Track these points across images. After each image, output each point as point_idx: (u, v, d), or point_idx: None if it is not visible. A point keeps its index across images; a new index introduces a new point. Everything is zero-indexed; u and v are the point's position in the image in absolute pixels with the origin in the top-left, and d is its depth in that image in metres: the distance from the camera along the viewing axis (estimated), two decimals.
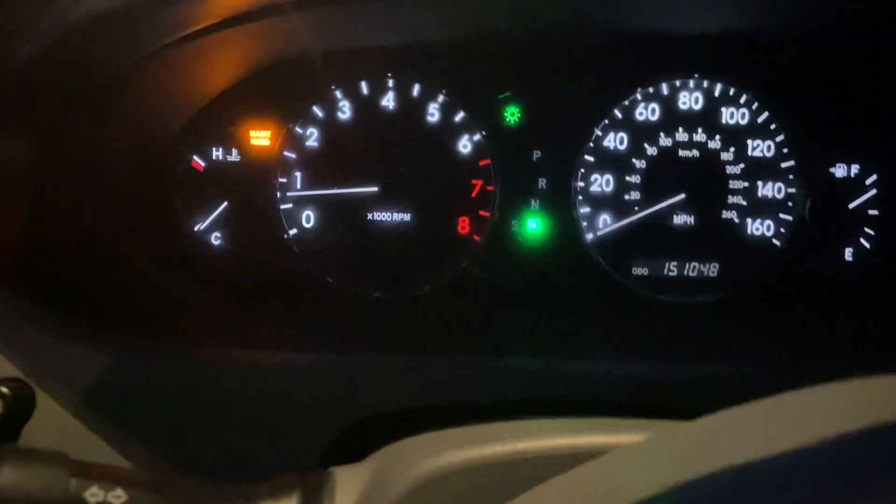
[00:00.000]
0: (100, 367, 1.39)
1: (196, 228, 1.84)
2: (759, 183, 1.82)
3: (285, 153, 1.83)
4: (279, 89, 1.82)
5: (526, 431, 0.94)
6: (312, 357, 1.55)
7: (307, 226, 1.85)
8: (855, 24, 1.67)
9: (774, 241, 1.83)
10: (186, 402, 1.44)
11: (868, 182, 1.81)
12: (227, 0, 1.46)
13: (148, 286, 1.73)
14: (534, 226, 1.87)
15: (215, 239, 1.85)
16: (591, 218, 1.86)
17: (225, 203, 1.84)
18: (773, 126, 1.80)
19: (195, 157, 1.82)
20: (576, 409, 1.25)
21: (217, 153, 1.83)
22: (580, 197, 1.85)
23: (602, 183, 1.85)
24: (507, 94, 1.85)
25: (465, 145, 1.84)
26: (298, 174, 1.84)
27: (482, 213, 1.85)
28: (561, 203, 1.86)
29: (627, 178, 1.84)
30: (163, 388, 1.44)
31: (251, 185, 1.84)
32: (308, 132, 1.83)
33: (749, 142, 1.81)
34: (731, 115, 1.81)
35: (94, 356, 1.39)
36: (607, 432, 0.94)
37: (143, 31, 1.40)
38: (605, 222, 1.85)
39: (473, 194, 1.85)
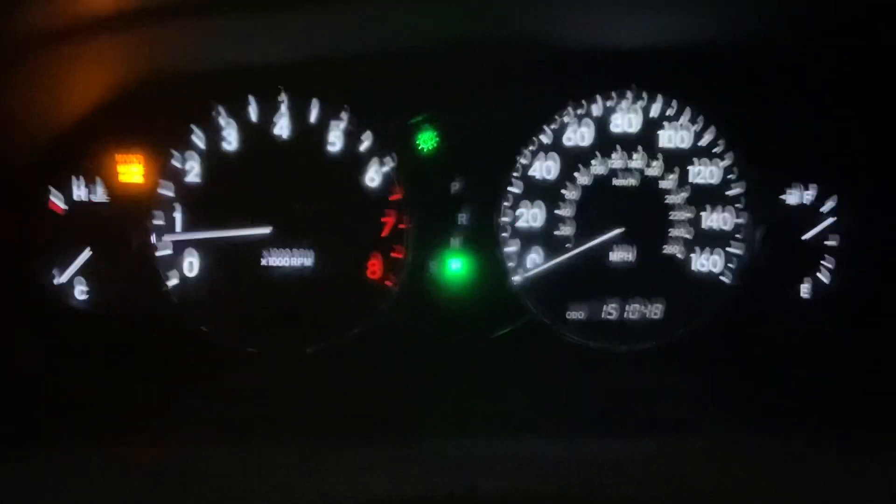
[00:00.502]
0: None
1: (56, 282, 1.55)
2: (703, 213, 1.62)
3: (161, 190, 1.56)
4: (152, 112, 1.55)
5: None
6: (189, 450, 1.28)
7: (189, 274, 1.58)
8: (806, 37, 1.48)
9: (723, 277, 1.64)
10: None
11: (825, 209, 1.62)
12: (86, 3, 1.19)
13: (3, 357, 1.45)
14: (455, 267, 1.65)
15: (80, 294, 1.57)
16: (520, 256, 1.63)
17: (89, 250, 1.56)
18: (717, 148, 1.61)
19: (51, 197, 1.54)
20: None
21: (79, 192, 1.55)
22: (506, 233, 1.63)
23: (529, 217, 1.62)
24: (421, 117, 1.62)
25: (372, 177, 1.60)
26: (178, 214, 1.57)
27: (395, 254, 1.61)
28: (484, 240, 1.63)
29: (558, 211, 1.62)
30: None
31: (121, 229, 1.56)
32: (188, 165, 1.57)
33: (691, 167, 1.61)
34: (670, 138, 1.61)
35: None
36: None
37: None
38: (535, 261, 1.63)
39: (384, 233, 1.61)
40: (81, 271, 1.57)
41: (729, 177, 1.62)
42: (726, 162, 1.62)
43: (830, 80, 1.58)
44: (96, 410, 1.39)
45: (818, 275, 1.64)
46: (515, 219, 1.63)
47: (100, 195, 1.56)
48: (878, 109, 1.58)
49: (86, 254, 1.56)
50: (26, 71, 1.30)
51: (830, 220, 1.63)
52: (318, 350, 1.60)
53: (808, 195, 1.63)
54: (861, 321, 1.61)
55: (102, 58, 1.41)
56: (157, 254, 1.57)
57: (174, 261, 1.58)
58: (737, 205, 1.62)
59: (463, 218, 1.63)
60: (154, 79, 1.51)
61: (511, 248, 1.63)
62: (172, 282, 1.58)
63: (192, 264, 1.58)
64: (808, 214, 1.63)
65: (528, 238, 1.63)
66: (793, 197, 1.63)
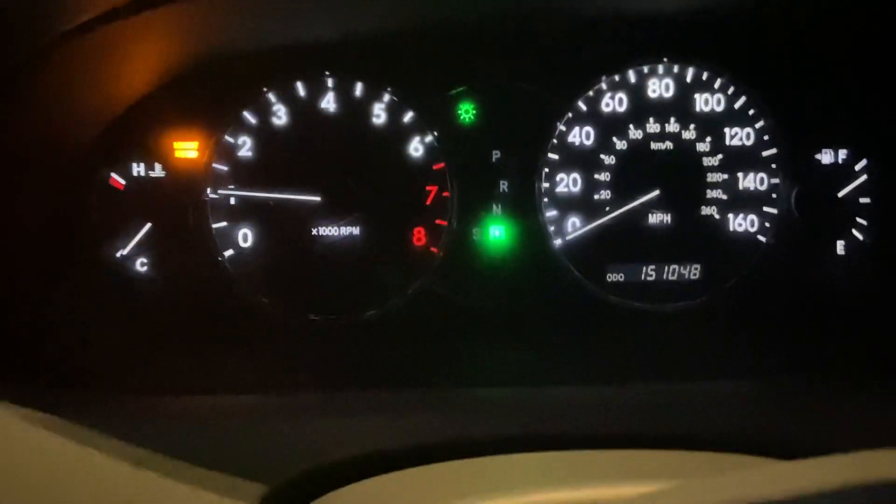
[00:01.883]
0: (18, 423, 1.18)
1: (118, 255, 1.63)
2: (740, 174, 1.66)
3: (215, 165, 1.64)
4: (205, 94, 1.62)
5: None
6: (252, 400, 1.35)
7: (244, 245, 1.66)
8: (835, 3, 1.52)
9: (759, 237, 1.67)
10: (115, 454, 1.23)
11: (858, 168, 1.66)
12: None
13: (66, 327, 1.52)
14: (496, 234, 1.70)
15: (140, 265, 1.65)
16: (559, 222, 1.68)
17: (149, 225, 1.63)
18: (751, 112, 1.65)
19: (113, 174, 1.62)
20: (549, 444, 1.09)
21: (138, 168, 1.63)
22: (546, 199, 1.68)
23: (569, 183, 1.68)
24: (460, 89, 1.68)
25: (416, 148, 1.66)
26: (231, 188, 1.65)
27: (438, 221, 1.67)
28: (525, 207, 1.69)
29: (596, 177, 1.67)
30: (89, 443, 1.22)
31: (178, 203, 1.64)
32: (240, 141, 1.64)
33: (726, 130, 1.65)
34: (706, 102, 1.65)
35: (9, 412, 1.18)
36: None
37: (34, 17, 1.20)
38: (575, 226, 1.68)
39: (428, 202, 1.67)
40: (141, 244, 1.64)
41: (764, 139, 1.66)
42: (760, 125, 1.66)
43: (859, 44, 1.61)
44: (158, 377, 1.46)
45: (854, 232, 1.67)
46: (554, 185, 1.68)
47: (157, 171, 1.64)
48: None
49: (146, 228, 1.64)
50: (82, 51, 1.36)
51: (863, 179, 1.66)
52: (372, 315, 1.66)
53: (842, 154, 1.66)
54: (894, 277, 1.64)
55: (154, 38, 1.47)
56: (214, 226, 1.64)
57: (229, 232, 1.65)
58: (772, 165, 1.66)
59: (503, 186, 1.69)
60: (206, 61, 1.58)
61: (551, 213, 1.68)
62: (227, 252, 1.65)
63: (246, 235, 1.65)
64: (842, 174, 1.66)
65: (568, 204, 1.68)
66: (826, 157, 1.67)
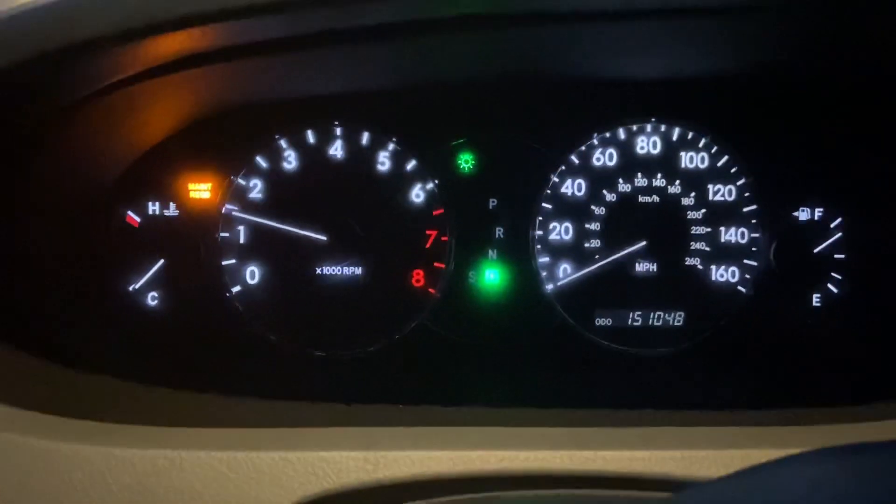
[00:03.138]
0: (32, 456, 1.25)
1: (131, 288, 1.72)
2: (722, 228, 1.76)
3: (227, 206, 1.73)
4: (220, 139, 1.73)
5: None
6: (259, 433, 1.42)
7: (251, 282, 1.74)
8: (813, 67, 1.63)
9: (740, 287, 1.77)
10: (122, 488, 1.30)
11: (833, 225, 1.76)
12: (160, 46, 1.36)
13: (80, 355, 1.59)
14: (491, 276, 1.79)
15: (152, 299, 1.73)
16: (551, 267, 1.78)
17: (162, 260, 1.72)
18: (733, 170, 1.76)
19: (129, 213, 1.71)
20: (538, 482, 1.16)
21: (153, 207, 1.73)
22: (539, 246, 1.78)
23: (561, 231, 1.77)
24: (461, 140, 1.79)
25: (417, 194, 1.76)
26: (241, 228, 1.74)
27: (437, 264, 1.76)
28: (519, 253, 1.78)
29: (587, 226, 1.77)
30: (99, 473, 1.29)
31: (190, 241, 1.73)
32: (251, 183, 1.74)
33: (710, 186, 1.76)
34: (691, 160, 1.76)
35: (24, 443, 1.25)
36: None
37: (67, 78, 1.30)
38: (566, 272, 1.78)
39: (427, 245, 1.76)
40: (154, 279, 1.73)
41: (745, 195, 1.76)
42: (741, 182, 1.76)
43: (836, 107, 1.73)
44: (165, 409, 1.53)
45: (829, 285, 1.76)
46: (547, 233, 1.77)
47: (172, 210, 1.73)
48: (879, 137, 1.72)
49: (159, 263, 1.72)
50: (108, 104, 1.46)
51: (838, 236, 1.76)
52: (363, 353, 1.74)
53: (818, 212, 1.76)
54: (867, 328, 1.73)
55: (172, 95, 1.57)
56: (223, 262, 1.73)
57: (238, 270, 1.74)
58: (752, 221, 1.76)
59: (499, 232, 1.78)
60: (222, 111, 1.69)
61: (543, 259, 1.78)
62: (236, 289, 1.74)
63: (253, 272, 1.74)
64: (818, 230, 1.76)
65: (559, 251, 1.77)
66: (804, 214, 1.77)
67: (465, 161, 1.78)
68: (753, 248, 1.76)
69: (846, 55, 1.57)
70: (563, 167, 1.77)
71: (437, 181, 1.76)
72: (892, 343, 1.68)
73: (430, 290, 1.76)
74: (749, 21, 1.40)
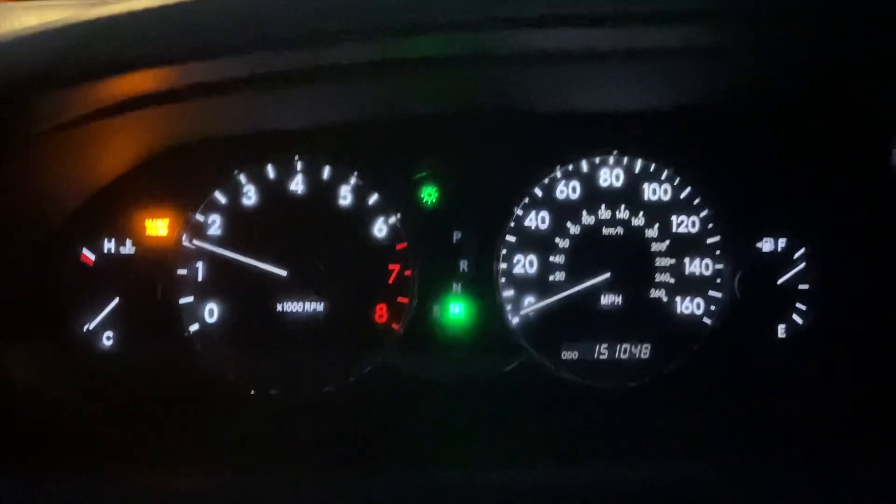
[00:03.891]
0: None
1: (85, 328, 1.67)
2: (686, 260, 1.75)
3: (185, 242, 1.69)
4: (178, 174, 1.69)
5: None
6: (213, 479, 1.38)
7: (210, 321, 1.70)
8: (774, 99, 1.64)
9: (705, 319, 1.76)
10: None
11: (796, 256, 1.76)
12: (116, 86, 1.33)
13: (31, 399, 1.54)
14: (456, 311, 1.76)
15: (106, 339, 1.68)
16: (516, 301, 1.76)
17: (117, 299, 1.68)
18: (696, 201, 1.75)
19: (84, 250, 1.67)
20: None
21: (109, 245, 1.69)
22: (503, 279, 1.76)
23: (525, 264, 1.76)
24: (424, 174, 1.77)
25: (380, 228, 1.74)
26: (200, 264, 1.70)
27: (400, 299, 1.74)
28: (484, 286, 1.76)
29: (551, 259, 1.75)
30: None
31: (147, 279, 1.69)
32: (210, 219, 1.70)
33: (673, 218, 1.75)
34: (654, 192, 1.76)
35: None
36: None
37: (21, 113, 1.27)
38: (531, 305, 1.76)
39: (391, 280, 1.74)
40: (109, 318, 1.68)
41: (708, 227, 1.76)
42: (704, 214, 1.76)
43: (797, 138, 1.74)
44: (119, 451, 1.48)
45: (794, 316, 1.76)
46: (512, 266, 1.75)
47: (128, 247, 1.69)
48: (840, 166, 1.73)
49: (114, 302, 1.68)
50: (62, 142, 1.43)
51: (801, 266, 1.76)
52: (326, 391, 1.71)
53: (781, 243, 1.77)
54: (833, 358, 1.73)
55: (130, 130, 1.55)
56: (181, 301, 1.69)
57: (196, 308, 1.70)
58: (716, 252, 1.76)
59: (463, 265, 1.76)
60: (179, 146, 1.66)
61: (508, 293, 1.76)
62: (193, 327, 1.69)
63: (212, 311, 1.70)
64: (782, 261, 1.76)
65: (524, 284, 1.75)
66: (767, 245, 1.77)
67: (429, 195, 1.76)
68: (718, 280, 1.76)
69: (806, 89, 1.58)
70: (527, 200, 1.75)
71: (399, 215, 1.74)
72: (858, 374, 1.68)
73: (394, 325, 1.73)
74: (710, 59, 1.41)
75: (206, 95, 1.40)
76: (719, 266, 1.76)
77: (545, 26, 1.14)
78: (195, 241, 1.69)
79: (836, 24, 1.21)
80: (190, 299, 1.69)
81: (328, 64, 1.25)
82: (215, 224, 1.70)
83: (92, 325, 1.67)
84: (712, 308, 1.76)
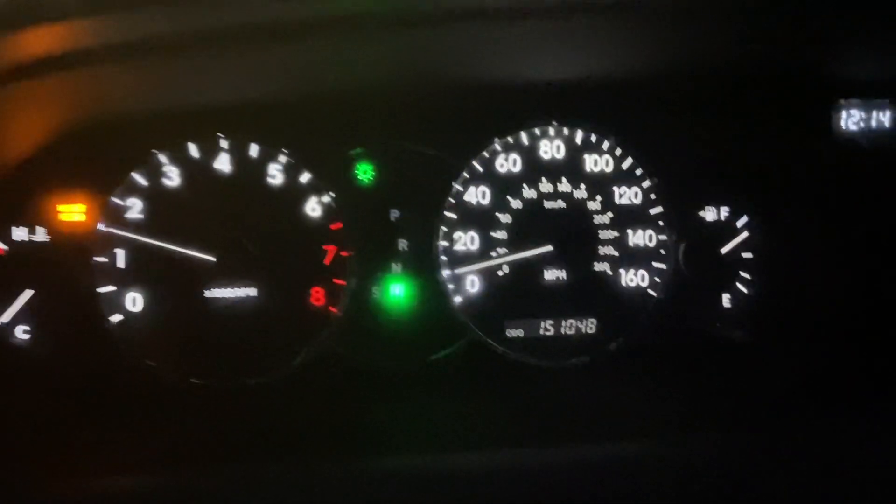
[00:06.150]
0: None
1: None
2: (630, 231, 1.72)
3: (102, 227, 1.59)
4: (92, 155, 1.58)
5: None
6: (142, 478, 1.30)
7: (133, 310, 1.60)
8: (714, 67, 1.61)
9: (650, 291, 1.73)
10: None
11: (739, 224, 1.74)
12: (18, 44, 1.22)
13: None
14: (397, 292, 1.70)
15: (23, 333, 1.57)
16: (458, 279, 1.70)
17: (31, 291, 1.56)
18: (637, 172, 1.72)
19: None
20: None
21: (19, 233, 1.57)
22: (444, 257, 1.69)
23: (467, 241, 1.70)
24: (358, 150, 1.69)
25: (313, 208, 1.66)
26: (120, 251, 1.60)
27: (338, 281, 1.66)
28: (424, 265, 1.70)
29: (493, 234, 1.70)
30: None
31: (63, 268, 1.57)
32: (129, 202, 1.60)
33: (615, 189, 1.71)
34: (595, 163, 1.71)
35: None
36: None
37: None
38: (473, 283, 1.70)
39: (327, 261, 1.66)
40: (23, 311, 1.57)
41: (651, 197, 1.72)
42: (646, 184, 1.72)
43: (737, 107, 1.71)
44: (40, 448, 1.39)
45: (738, 285, 1.74)
46: (453, 243, 1.70)
47: (40, 235, 1.57)
48: (782, 134, 1.72)
49: (27, 294, 1.56)
50: None
51: (745, 235, 1.74)
52: (263, 380, 1.63)
53: (724, 212, 1.74)
54: (777, 328, 1.72)
55: (40, 102, 1.43)
56: (100, 290, 1.58)
57: (116, 298, 1.60)
58: (659, 223, 1.73)
59: (403, 244, 1.69)
60: (93, 123, 1.54)
61: (449, 271, 1.70)
62: (115, 317, 1.59)
63: (135, 300, 1.60)
64: (725, 230, 1.74)
65: (466, 261, 1.70)
66: (710, 214, 1.74)
67: (364, 172, 1.69)
68: (662, 251, 1.73)
69: (746, 55, 1.55)
70: (466, 174, 1.69)
71: (333, 193, 1.66)
72: (802, 342, 1.67)
73: (332, 308, 1.66)
74: (649, 23, 1.36)
75: (117, 60, 1.31)
76: (663, 237, 1.72)
77: None
78: (113, 227, 1.58)
79: None
80: (110, 288, 1.59)
81: (239, 23, 1.16)
82: (135, 207, 1.60)
83: (4, 319, 1.56)
84: (657, 280, 1.73)
